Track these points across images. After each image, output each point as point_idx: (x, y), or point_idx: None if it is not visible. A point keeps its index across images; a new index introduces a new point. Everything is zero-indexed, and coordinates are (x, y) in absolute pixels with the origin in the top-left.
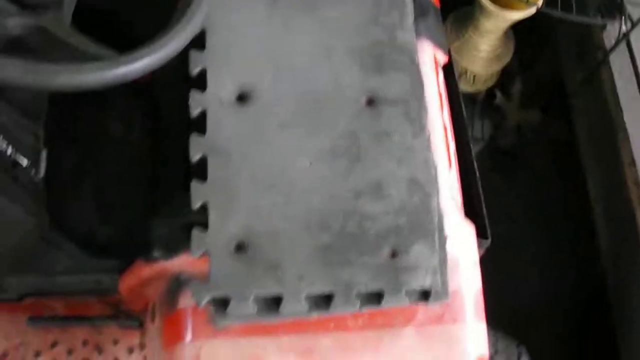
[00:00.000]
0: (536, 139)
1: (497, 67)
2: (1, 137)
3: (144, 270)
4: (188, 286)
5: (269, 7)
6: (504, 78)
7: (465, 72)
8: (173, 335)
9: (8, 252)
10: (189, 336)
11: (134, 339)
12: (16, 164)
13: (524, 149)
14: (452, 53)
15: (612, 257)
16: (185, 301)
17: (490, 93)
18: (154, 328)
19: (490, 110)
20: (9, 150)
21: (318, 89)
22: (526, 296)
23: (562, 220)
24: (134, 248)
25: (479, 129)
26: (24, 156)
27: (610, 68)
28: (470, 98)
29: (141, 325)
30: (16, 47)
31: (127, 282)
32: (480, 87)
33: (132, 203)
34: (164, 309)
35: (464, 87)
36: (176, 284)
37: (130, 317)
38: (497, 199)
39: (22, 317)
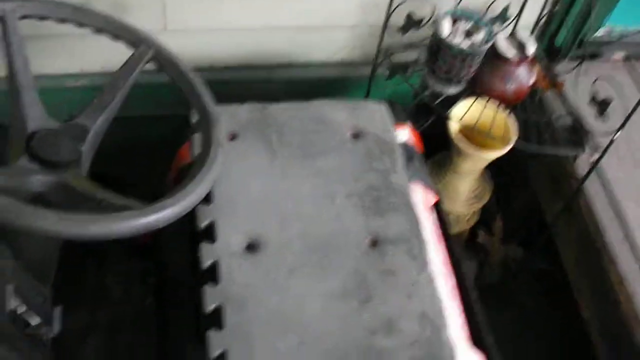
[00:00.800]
0: (521, 272)
1: (477, 206)
2: (15, 296)
3: None
4: None
5: (269, 159)
6: (485, 216)
7: (449, 213)
8: None
9: None
10: None
11: None
12: (28, 323)
13: (510, 284)
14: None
15: None
16: None
17: (473, 232)
18: None
19: (475, 249)
20: (22, 310)
21: (323, 233)
22: None
23: (558, 348)
24: None
25: (466, 268)
26: (34, 316)
27: (585, 195)
28: (456, 238)
29: None
30: (39, 202)
31: None
32: (464, 226)
33: None
34: None
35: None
36: None
37: None
38: (491, 332)
39: None
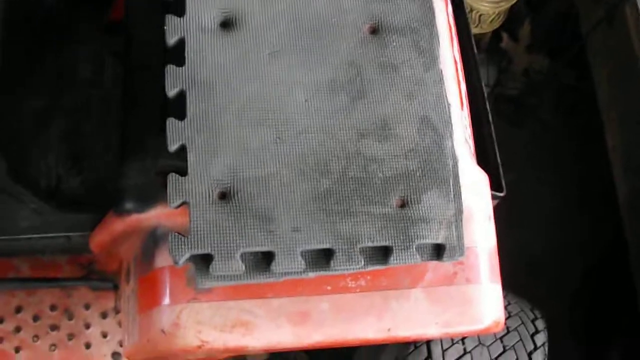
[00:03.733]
0: (544, 85)
1: (505, 5)
2: None
3: (115, 225)
4: (165, 242)
5: None
6: (512, 19)
7: (471, 11)
8: (149, 298)
9: None
10: (166, 299)
11: (108, 302)
12: None
13: (531, 95)
14: None
15: (630, 206)
16: (163, 260)
17: (496, 35)
18: (128, 290)
19: (496, 54)
20: None
21: (315, 13)
22: (538, 249)
23: (573, 169)
24: (106, 201)
25: (484, 74)
26: None
27: (636, 5)
28: (476, 41)
29: (115, 288)
30: None
31: (99, 238)
32: (486, 28)
33: (103, 150)
34: (139, 269)
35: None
36: (152, 241)
37: (103, 278)
38: (502, 148)
39: None
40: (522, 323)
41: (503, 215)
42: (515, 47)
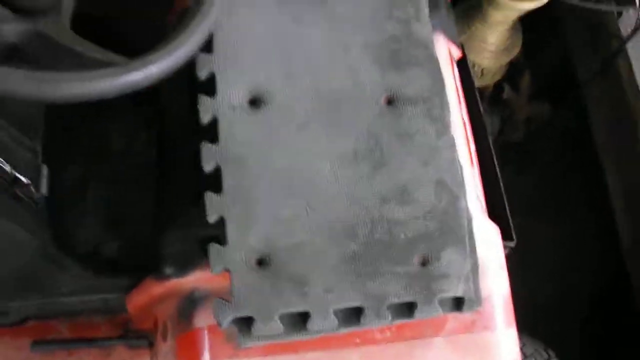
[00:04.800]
0: (546, 132)
1: (505, 59)
2: (0, 154)
3: (154, 288)
4: (203, 305)
5: (277, 3)
6: (512, 71)
7: (473, 66)
8: (189, 356)
9: (10, 275)
10: (206, 357)
11: (144, 359)
12: (16, 181)
13: (534, 143)
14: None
15: (634, 250)
16: (201, 320)
17: (498, 87)
18: (166, 347)
19: (499, 105)
20: (8, 168)
21: (335, 88)
22: (548, 292)
23: (578, 213)
24: (141, 264)
25: (488, 124)
26: (23, 174)
27: (627, 56)
28: (478, 92)
29: (151, 345)
30: (14, 56)
31: (136, 301)
32: (489, 81)
33: (139, 217)
34: (177, 328)
35: None
36: (189, 302)
37: (139, 336)
38: (509, 194)
39: (25, 341)
40: None
41: (513, 260)
42: (517, 97)
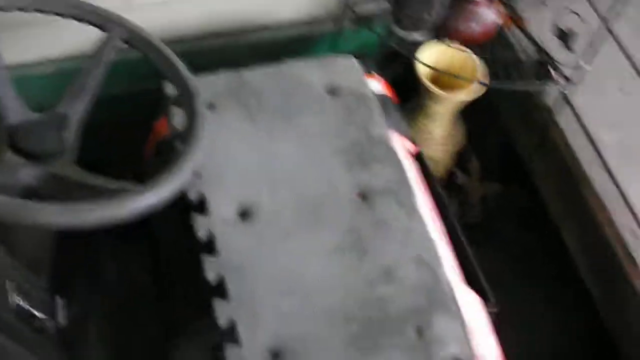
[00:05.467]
0: (501, 209)
1: (452, 149)
2: (16, 291)
3: None
4: None
5: (250, 125)
6: (462, 158)
7: None
8: None
9: None
10: None
11: None
12: (34, 316)
13: (492, 222)
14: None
15: (605, 300)
16: None
17: (451, 174)
18: None
19: (454, 190)
20: (25, 305)
21: (313, 192)
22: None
23: (545, 278)
24: None
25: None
26: (37, 309)
27: (558, 126)
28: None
29: None
30: (32, 196)
31: None
32: (441, 170)
33: (145, 342)
34: None
35: None
36: None
37: None
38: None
39: None
40: None
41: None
42: (469, 180)
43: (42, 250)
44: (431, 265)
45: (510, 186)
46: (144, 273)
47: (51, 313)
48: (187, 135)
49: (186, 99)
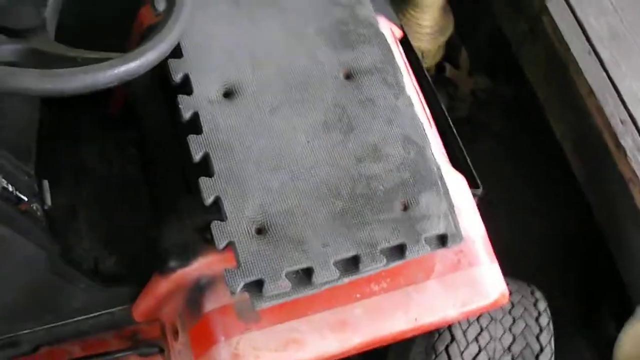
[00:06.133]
0: (490, 101)
1: (441, 39)
2: (1, 175)
3: (161, 285)
4: (210, 289)
5: (233, 6)
6: (450, 51)
7: None
8: (205, 341)
9: (23, 297)
10: (222, 336)
11: None
12: (20, 199)
13: (481, 114)
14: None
15: (592, 187)
16: (211, 304)
17: (440, 67)
18: (179, 345)
19: (443, 83)
20: (11, 188)
21: (297, 71)
22: (521, 240)
23: (535, 165)
24: (142, 273)
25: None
26: (23, 193)
27: (549, 14)
28: None
29: (162, 351)
30: None
31: (143, 305)
32: (430, 62)
33: (129, 232)
34: (188, 321)
35: None
36: (197, 291)
37: (149, 344)
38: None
39: None
40: (523, 296)
41: (486, 217)
42: (458, 73)
43: (28, 138)
44: (419, 144)
45: (499, 77)
46: (133, 163)
47: (37, 197)
48: (166, 8)
49: None
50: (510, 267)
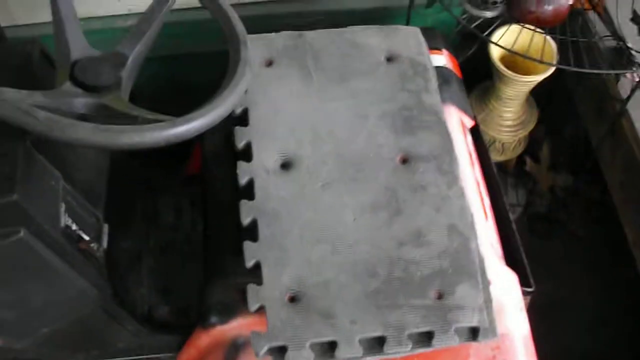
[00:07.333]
0: (569, 199)
1: (523, 133)
2: (67, 214)
3: (202, 339)
4: (246, 350)
5: (305, 82)
6: (532, 145)
7: (494, 142)
8: None
9: (75, 327)
10: None
11: None
12: (81, 238)
13: (559, 211)
14: (479, 122)
15: None
16: None
17: (520, 160)
18: None
19: (523, 177)
20: (74, 227)
21: (355, 151)
22: (582, 348)
23: (606, 271)
24: (190, 325)
25: (514, 196)
26: (86, 233)
27: (629, 116)
28: (502, 167)
29: None
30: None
31: (187, 355)
32: (510, 155)
33: (187, 284)
34: None
35: (495, 156)
36: (233, 349)
37: None
38: (539, 259)
39: None
40: None
41: (548, 320)
42: (538, 168)
43: (97, 180)
44: (464, 234)
45: (580, 177)
46: (198, 219)
47: (98, 239)
48: (226, 77)
49: (233, 44)
50: None
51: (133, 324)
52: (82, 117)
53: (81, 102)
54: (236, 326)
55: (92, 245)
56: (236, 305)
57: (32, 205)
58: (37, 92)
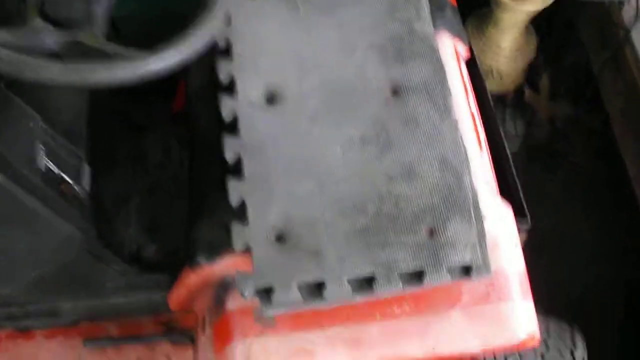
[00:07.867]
0: (570, 129)
1: (521, 63)
2: (47, 156)
3: (191, 279)
4: (234, 289)
5: (290, 14)
6: (531, 74)
7: (492, 71)
8: (223, 338)
9: (60, 272)
10: (238, 336)
11: (187, 354)
12: (62, 180)
13: (559, 141)
14: (476, 52)
15: None
16: (232, 303)
17: (519, 91)
18: (205, 338)
19: (521, 108)
20: (55, 169)
21: (343, 82)
22: (579, 284)
23: (607, 206)
24: (180, 264)
25: (512, 127)
26: (68, 175)
27: (633, 44)
28: (501, 98)
29: (193, 341)
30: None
31: (177, 296)
32: (509, 85)
33: (176, 222)
34: (212, 316)
35: (493, 87)
36: (222, 288)
37: (182, 333)
38: (538, 193)
39: (77, 340)
40: (561, 340)
41: (545, 255)
42: (538, 98)
43: (77, 119)
44: (456, 169)
45: (580, 106)
46: (186, 157)
47: (80, 178)
48: (199, 8)
49: None
50: (558, 309)
51: (120, 264)
52: (54, 55)
53: (52, 39)
54: (223, 266)
55: (74, 187)
56: (223, 244)
57: (8, 149)
58: (2, 30)
